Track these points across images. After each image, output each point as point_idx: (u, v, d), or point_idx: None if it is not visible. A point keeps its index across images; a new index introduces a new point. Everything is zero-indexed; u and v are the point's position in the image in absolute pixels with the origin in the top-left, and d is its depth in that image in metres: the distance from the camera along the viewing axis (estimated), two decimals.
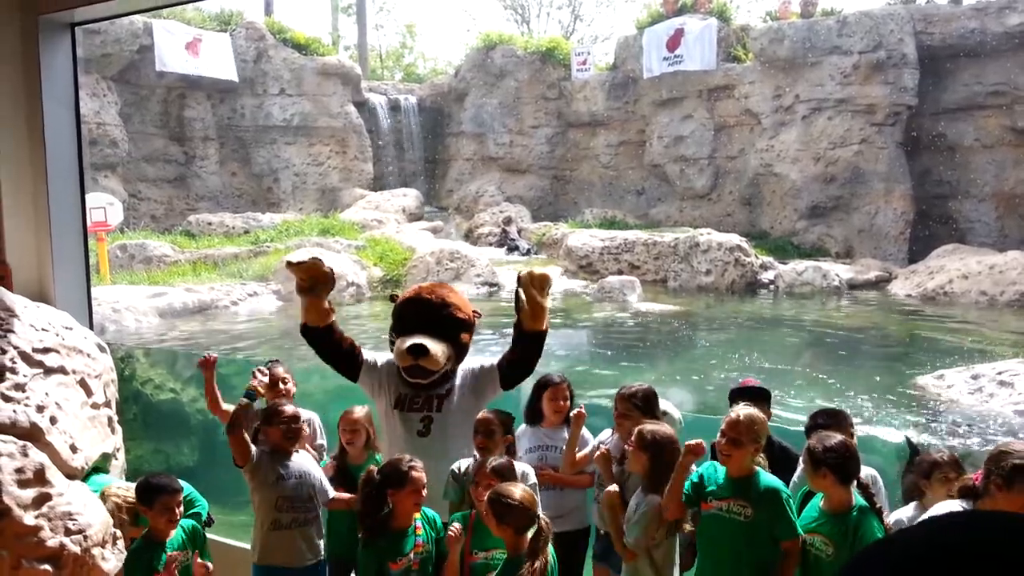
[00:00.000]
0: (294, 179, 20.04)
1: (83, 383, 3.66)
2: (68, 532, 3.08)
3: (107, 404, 3.84)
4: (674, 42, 18.26)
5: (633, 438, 3.18)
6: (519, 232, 18.07)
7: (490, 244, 17.92)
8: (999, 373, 6.87)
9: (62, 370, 3.55)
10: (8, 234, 3.90)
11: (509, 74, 21.02)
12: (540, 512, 2.91)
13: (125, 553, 3.28)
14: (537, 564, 2.76)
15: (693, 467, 3.11)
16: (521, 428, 3.96)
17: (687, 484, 3.04)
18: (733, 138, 18.45)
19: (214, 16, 19.90)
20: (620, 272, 14.59)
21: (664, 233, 15.89)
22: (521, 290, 3.48)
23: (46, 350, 3.52)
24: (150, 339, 10.15)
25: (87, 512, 3.19)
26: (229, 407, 3.83)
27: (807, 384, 7.87)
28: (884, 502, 3.31)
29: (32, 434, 3.18)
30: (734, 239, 14.52)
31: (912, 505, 3.40)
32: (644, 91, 19.45)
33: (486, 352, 6.50)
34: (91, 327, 4.25)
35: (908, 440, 5.23)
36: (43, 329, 3.59)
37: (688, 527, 3.15)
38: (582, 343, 10.48)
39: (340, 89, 20.38)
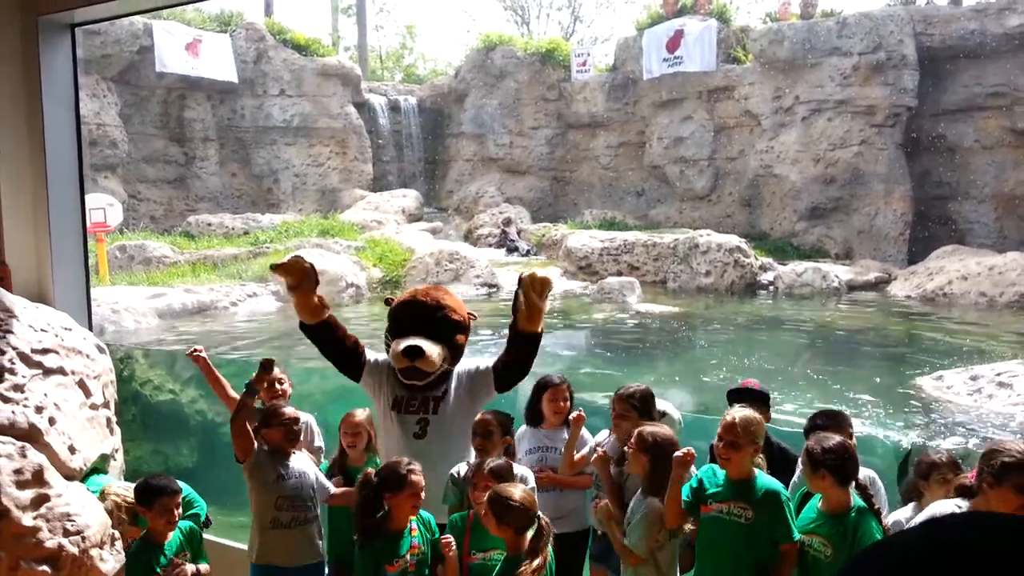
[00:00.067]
0: (294, 180, 20.04)
1: (82, 384, 3.65)
2: (66, 533, 3.07)
3: (106, 405, 3.84)
4: (674, 43, 18.26)
5: (633, 440, 3.18)
6: (519, 233, 18.07)
7: (490, 245, 17.90)
8: (998, 374, 6.89)
9: (61, 371, 3.54)
10: (7, 235, 3.90)
11: (509, 75, 21.02)
12: (540, 513, 2.91)
13: (123, 554, 3.28)
14: (536, 563, 2.76)
15: (693, 469, 3.11)
16: (521, 429, 3.96)
17: (685, 490, 3.04)
18: (733, 139, 18.45)
19: (214, 17, 19.91)
20: (620, 273, 14.60)
21: (664, 234, 15.89)
22: (521, 291, 3.49)
23: (45, 351, 3.51)
24: (149, 340, 10.15)
25: (85, 513, 3.18)
26: (236, 395, 3.81)
27: (806, 385, 7.87)
28: (883, 503, 3.31)
29: (31, 435, 3.17)
30: (733, 240, 14.52)
31: (910, 506, 3.40)
32: (644, 92, 19.45)
33: (485, 353, 6.51)
34: (90, 328, 4.24)
35: (898, 444, 5.26)
36: (42, 330, 3.59)
37: (689, 527, 3.15)
38: (581, 344, 10.48)
39: (340, 90, 20.38)
